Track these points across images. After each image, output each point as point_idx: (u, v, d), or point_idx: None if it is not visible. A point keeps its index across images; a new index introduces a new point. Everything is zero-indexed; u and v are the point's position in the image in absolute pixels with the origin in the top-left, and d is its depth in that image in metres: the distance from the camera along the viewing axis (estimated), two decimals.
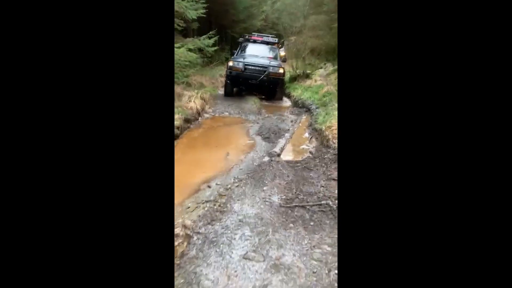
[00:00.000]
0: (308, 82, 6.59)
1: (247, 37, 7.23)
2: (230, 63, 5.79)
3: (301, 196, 2.26)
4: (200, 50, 5.70)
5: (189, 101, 4.80)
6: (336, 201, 2.09)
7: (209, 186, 2.53)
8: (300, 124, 4.55)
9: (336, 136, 3.33)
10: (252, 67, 5.68)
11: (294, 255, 1.54)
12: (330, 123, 3.73)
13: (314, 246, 1.61)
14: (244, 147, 3.59)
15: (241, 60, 5.82)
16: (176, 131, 3.87)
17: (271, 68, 5.67)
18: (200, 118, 4.80)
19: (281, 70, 5.79)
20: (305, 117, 4.91)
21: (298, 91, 6.01)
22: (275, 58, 6.49)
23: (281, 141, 3.66)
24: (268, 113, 5.26)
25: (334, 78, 6.31)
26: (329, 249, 1.58)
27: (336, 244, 1.61)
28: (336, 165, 2.75)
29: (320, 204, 2.10)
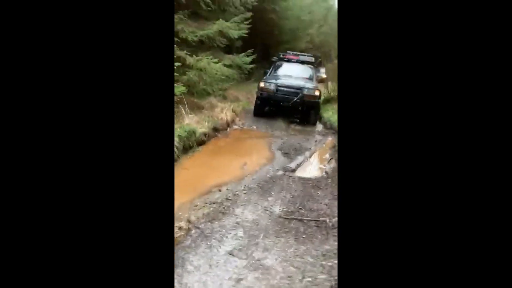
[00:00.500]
0: None
1: (281, 55, 6.76)
2: (261, 84, 5.44)
3: (302, 211, 2.33)
4: (239, 67, 6.12)
5: (221, 112, 5.18)
6: (334, 219, 2.13)
7: (219, 190, 2.72)
8: (323, 145, 4.58)
9: None
10: (285, 89, 5.34)
11: (276, 259, 1.64)
12: None
13: (297, 255, 1.69)
14: (263, 159, 3.75)
15: (273, 81, 5.49)
16: (204, 138, 4.21)
17: (306, 90, 5.31)
18: (228, 128, 5.12)
19: (316, 93, 5.42)
20: (330, 138, 4.92)
21: (329, 113, 6.02)
22: (310, 78, 6.12)
23: (299, 158, 3.74)
24: (295, 131, 5.38)
25: None
26: (310, 260, 1.64)
27: (319, 257, 1.67)
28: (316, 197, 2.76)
29: (318, 220, 2.15)
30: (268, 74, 6.24)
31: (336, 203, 2.45)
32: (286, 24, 9.56)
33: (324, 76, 13.52)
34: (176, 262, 1.56)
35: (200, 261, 1.58)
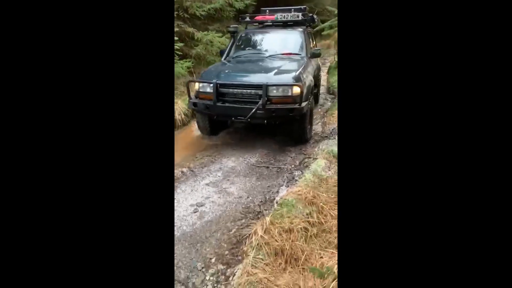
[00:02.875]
0: None
1: (247, 19, 4.30)
2: (196, 86, 3.19)
3: (272, 161, 3.18)
4: None
5: None
6: (290, 166, 2.96)
7: (216, 146, 3.65)
8: (319, 110, 5.20)
9: (332, 121, 3.99)
10: (233, 90, 3.00)
11: (236, 188, 2.56)
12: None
13: (251, 187, 2.59)
14: None
15: (213, 76, 3.11)
16: None
17: (274, 89, 2.86)
18: None
19: (296, 90, 2.87)
20: (330, 104, 5.49)
21: (334, 78, 6.43)
22: (299, 52, 3.77)
23: None
24: None
25: None
26: (259, 189, 2.53)
27: (264, 188, 2.55)
28: (315, 145, 3.51)
29: (280, 168, 2.99)
30: (223, 57, 3.91)
31: (299, 157, 3.25)
32: None
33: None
34: None
35: (187, 188, 2.57)
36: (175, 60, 4.24)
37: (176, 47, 4.07)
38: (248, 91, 2.99)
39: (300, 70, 3.16)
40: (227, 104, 3.03)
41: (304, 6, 4.35)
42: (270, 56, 3.71)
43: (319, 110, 5.16)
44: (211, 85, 3.00)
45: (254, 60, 3.71)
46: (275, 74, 3.06)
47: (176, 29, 4.08)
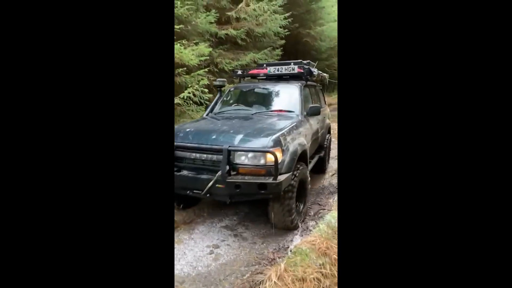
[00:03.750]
0: None
1: (239, 72, 3.94)
2: None
3: None
4: None
5: None
6: (305, 216, 3.02)
7: None
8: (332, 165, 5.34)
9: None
10: (191, 155, 2.38)
11: (250, 234, 2.64)
12: None
13: (265, 233, 2.66)
14: None
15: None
16: None
17: (242, 155, 2.21)
18: None
19: (270, 157, 2.15)
20: None
21: None
22: (292, 109, 3.11)
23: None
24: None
25: None
26: (273, 236, 2.60)
27: (279, 235, 2.61)
28: (330, 196, 3.59)
29: None
30: (205, 113, 3.44)
31: (315, 207, 3.33)
32: (322, 45, 10.42)
33: None
34: (190, 228, 2.69)
35: (204, 229, 2.68)
36: (202, 108, 4.67)
37: (205, 97, 4.53)
38: (209, 156, 2.27)
39: (284, 131, 2.40)
40: (183, 172, 2.29)
41: (308, 61, 3.92)
42: (255, 113, 3.09)
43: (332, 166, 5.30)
44: None
45: (235, 117, 3.03)
46: (246, 135, 2.30)
47: (207, 82, 4.59)
